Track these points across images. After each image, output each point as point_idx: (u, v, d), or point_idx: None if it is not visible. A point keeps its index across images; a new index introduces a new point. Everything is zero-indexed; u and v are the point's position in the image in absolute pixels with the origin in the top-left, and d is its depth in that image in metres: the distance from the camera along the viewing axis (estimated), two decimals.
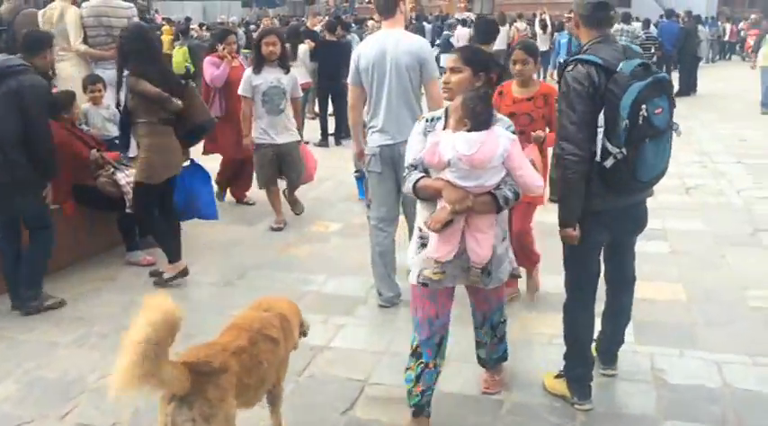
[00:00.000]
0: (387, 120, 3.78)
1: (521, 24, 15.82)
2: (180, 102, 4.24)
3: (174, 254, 4.47)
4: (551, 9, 27.21)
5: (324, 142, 8.97)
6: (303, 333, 2.76)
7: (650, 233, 5.20)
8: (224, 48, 5.98)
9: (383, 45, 3.76)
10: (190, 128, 4.40)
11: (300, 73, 8.48)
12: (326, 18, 12.59)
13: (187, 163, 4.76)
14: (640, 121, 2.44)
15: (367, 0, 42.35)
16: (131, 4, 6.46)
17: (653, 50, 13.07)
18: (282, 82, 5.38)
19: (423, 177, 2.53)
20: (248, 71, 5.41)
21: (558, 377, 3.06)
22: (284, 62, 5.48)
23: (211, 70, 5.99)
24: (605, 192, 2.63)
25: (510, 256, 2.78)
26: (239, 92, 5.41)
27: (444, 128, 2.56)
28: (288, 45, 8.51)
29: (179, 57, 10.60)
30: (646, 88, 2.44)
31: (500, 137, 2.43)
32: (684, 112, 11.45)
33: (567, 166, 2.59)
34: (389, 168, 3.83)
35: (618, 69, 2.51)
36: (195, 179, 4.84)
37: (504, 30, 15.28)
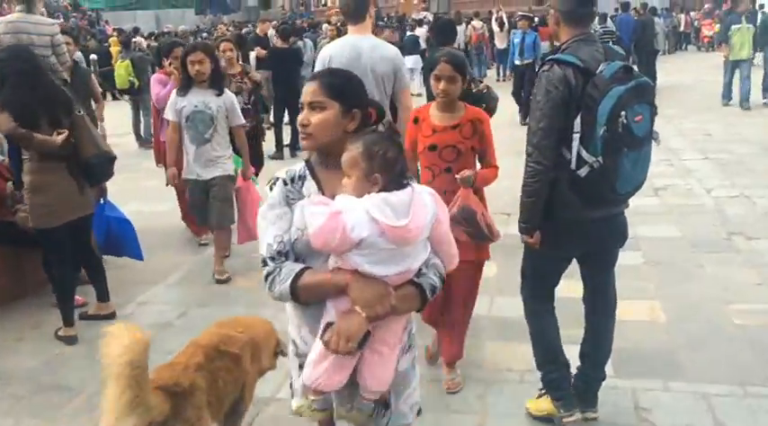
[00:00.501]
0: None
1: (477, 23, 15.57)
2: (57, 137, 3.61)
3: (101, 293, 4.09)
4: (506, 6, 27.28)
5: (279, 154, 8.54)
6: (280, 353, 2.62)
7: None
8: (170, 64, 5.31)
9: (358, 48, 3.60)
10: (81, 165, 3.78)
11: None
12: (278, 23, 12.07)
13: (100, 201, 4.28)
14: (619, 129, 2.25)
15: (323, 3, 42.09)
16: (55, 21, 5.99)
17: (610, 44, 12.90)
18: (210, 106, 4.44)
19: (306, 270, 1.69)
20: (174, 91, 4.66)
21: (540, 396, 2.84)
22: (216, 82, 4.50)
23: (158, 89, 5.39)
24: (579, 203, 2.44)
25: (416, 376, 1.98)
26: (164, 115, 4.66)
27: (322, 193, 1.76)
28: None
29: (121, 70, 10.05)
30: (626, 93, 2.26)
31: (423, 195, 1.68)
32: None
33: (529, 173, 2.46)
34: None
35: (598, 71, 2.32)
36: (114, 218, 4.39)
37: (460, 29, 15.04)
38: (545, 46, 17.28)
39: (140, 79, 9.74)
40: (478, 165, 3.07)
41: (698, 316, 3.77)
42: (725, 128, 9.11)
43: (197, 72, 4.38)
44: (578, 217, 2.48)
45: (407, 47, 13.71)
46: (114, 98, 16.19)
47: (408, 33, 15.61)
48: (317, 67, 3.74)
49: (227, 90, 4.64)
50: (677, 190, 6.32)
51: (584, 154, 2.32)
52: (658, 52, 13.62)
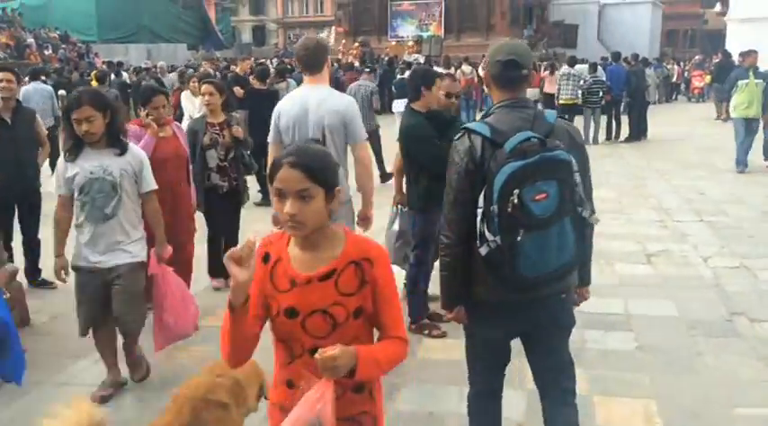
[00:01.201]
0: None
1: (466, 68, 15.30)
2: None
3: None
4: None
5: (266, 201, 8.03)
6: (263, 396, 2.54)
7: (612, 320, 4.46)
8: (147, 114, 4.40)
9: (305, 103, 3.52)
10: None
11: None
12: (254, 63, 11.67)
13: None
14: (509, 208, 2.10)
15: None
16: None
17: (601, 94, 12.63)
18: (111, 170, 3.36)
19: None
20: (61, 159, 3.47)
21: None
22: (114, 139, 3.41)
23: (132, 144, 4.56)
24: (492, 282, 2.26)
25: None
26: (53, 189, 3.55)
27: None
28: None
29: None
30: (521, 169, 2.10)
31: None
32: (637, 161, 10.97)
33: (440, 246, 2.37)
34: None
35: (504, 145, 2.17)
36: None
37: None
38: (534, 93, 17.17)
39: None
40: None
41: (699, 423, 3.24)
42: (720, 188, 8.68)
43: (85, 132, 3.28)
44: (494, 298, 2.31)
45: (398, 91, 13.38)
46: None
47: (398, 77, 15.31)
48: (272, 122, 3.65)
49: (132, 146, 3.57)
50: (672, 258, 5.83)
51: (485, 231, 2.18)
52: (650, 103, 13.34)
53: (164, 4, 35.35)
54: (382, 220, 4.63)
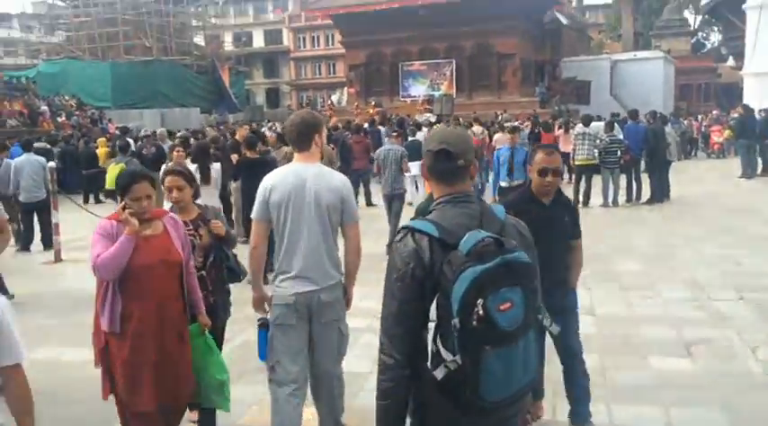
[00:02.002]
0: (305, 265, 3.34)
1: (477, 128, 14.84)
2: None
3: None
4: (511, 109, 27.06)
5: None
6: None
7: None
8: (125, 207, 3.14)
9: (301, 178, 3.36)
10: None
11: (210, 195, 7.12)
12: (248, 129, 11.23)
13: None
14: (474, 321, 1.82)
15: (329, 104, 42.56)
16: None
17: (619, 154, 12.04)
18: None
19: None
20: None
21: None
22: None
23: (99, 247, 3.09)
24: (447, 409, 1.94)
25: None
26: None
27: None
28: (195, 165, 7.20)
29: (114, 172, 9.46)
30: (485, 274, 1.83)
31: None
32: (662, 226, 10.24)
33: (380, 368, 2.04)
34: (304, 320, 3.36)
35: (458, 245, 1.91)
36: None
37: None
38: None
39: None
40: None
41: None
42: (757, 257, 7.89)
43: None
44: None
45: (410, 152, 12.89)
46: (98, 201, 15.42)
47: (410, 138, 14.87)
48: (259, 197, 3.41)
49: None
50: (714, 348, 5.06)
51: (441, 349, 1.86)
52: (671, 163, 12.67)
53: (178, 70, 35.88)
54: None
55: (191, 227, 3.72)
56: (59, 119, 25.77)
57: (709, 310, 6.00)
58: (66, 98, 29.22)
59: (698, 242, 8.83)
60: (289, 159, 7.30)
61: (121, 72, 33.06)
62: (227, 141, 11.26)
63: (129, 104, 32.42)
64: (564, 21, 39.75)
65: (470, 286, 1.81)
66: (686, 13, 54.48)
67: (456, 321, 1.81)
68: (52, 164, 9.11)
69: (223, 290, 3.85)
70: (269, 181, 3.43)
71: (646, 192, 12.44)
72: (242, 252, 3.92)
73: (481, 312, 1.80)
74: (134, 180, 3.18)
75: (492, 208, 2.12)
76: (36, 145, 14.94)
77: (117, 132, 21.67)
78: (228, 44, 46.58)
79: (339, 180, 3.47)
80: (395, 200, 8.91)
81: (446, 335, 1.85)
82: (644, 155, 12.50)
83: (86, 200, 15.49)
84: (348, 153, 13.09)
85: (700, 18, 57.39)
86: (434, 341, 1.88)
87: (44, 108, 25.93)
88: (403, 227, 2.06)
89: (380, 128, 20.46)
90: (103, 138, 17.19)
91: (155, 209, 3.31)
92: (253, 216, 3.46)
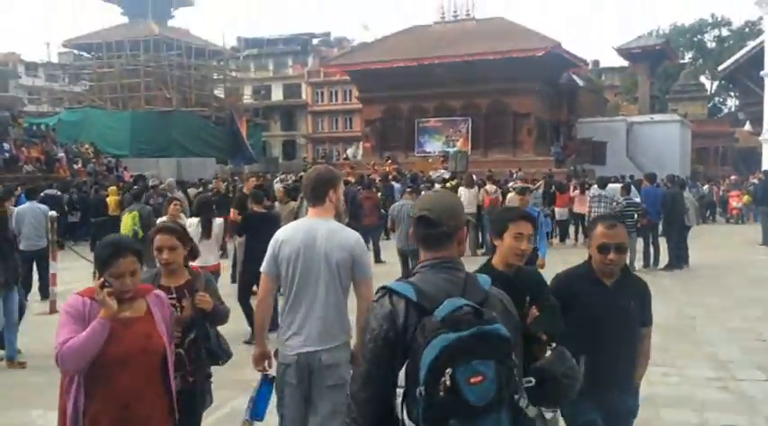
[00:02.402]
0: (308, 323, 3.24)
1: (490, 187, 14.61)
2: None
3: None
4: (526, 167, 26.95)
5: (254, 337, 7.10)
6: None
7: None
8: (103, 284, 2.60)
9: (313, 233, 3.31)
10: None
11: (210, 250, 6.87)
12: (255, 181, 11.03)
13: None
14: (440, 391, 1.70)
15: (344, 157, 42.84)
16: None
17: (635, 218, 11.70)
18: None
19: None
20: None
21: None
22: None
23: (65, 331, 2.57)
24: None
25: None
26: None
27: None
28: (197, 219, 6.97)
29: (128, 220, 9.41)
30: (457, 343, 1.73)
31: None
32: (681, 295, 9.79)
33: None
34: (305, 381, 3.22)
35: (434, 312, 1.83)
36: None
37: (471, 192, 14.10)
38: (563, 212, 16.33)
39: (144, 231, 8.76)
40: None
41: None
42: None
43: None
44: None
45: None
46: None
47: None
48: (269, 251, 3.35)
49: None
50: None
51: (405, 419, 1.81)
52: (689, 228, 12.29)
53: (196, 121, 36.35)
54: None
55: (174, 295, 3.22)
56: (75, 166, 25.98)
57: (735, 392, 5.55)
58: (85, 146, 29.57)
59: (720, 313, 8.39)
60: (295, 216, 6.94)
61: (141, 121, 33.54)
62: (233, 193, 11.09)
63: (147, 153, 32.72)
64: (580, 82, 40.09)
65: (440, 353, 1.74)
66: (702, 79, 54.95)
67: (422, 389, 1.74)
68: (53, 212, 8.95)
69: (203, 373, 3.33)
70: (280, 234, 3.39)
71: (663, 258, 12.04)
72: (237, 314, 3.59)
73: (449, 382, 1.71)
74: (117, 252, 2.64)
75: (477, 278, 2.05)
76: (47, 191, 15.02)
77: (131, 180, 21.77)
78: (248, 97, 47.32)
79: (352, 237, 3.37)
80: (411, 257, 8.95)
81: (412, 405, 1.79)
82: (662, 220, 12.16)
83: (93, 248, 15.36)
84: (358, 209, 12.89)
85: (716, 83, 57.81)
86: (401, 409, 1.82)
87: (61, 154, 26.20)
88: (381, 287, 2.00)
89: (393, 183, 20.37)
90: (114, 187, 17.13)
91: (137, 287, 2.74)
92: (262, 269, 3.38)
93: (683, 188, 13.09)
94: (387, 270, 11.59)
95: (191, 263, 3.55)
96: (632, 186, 13.33)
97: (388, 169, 25.57)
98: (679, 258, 11.89)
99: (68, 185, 18.69)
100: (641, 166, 32.18)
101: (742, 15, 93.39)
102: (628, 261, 11.61)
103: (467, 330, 1.77)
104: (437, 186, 15.99)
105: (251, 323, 7.10)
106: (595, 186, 12.51)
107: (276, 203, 8.02)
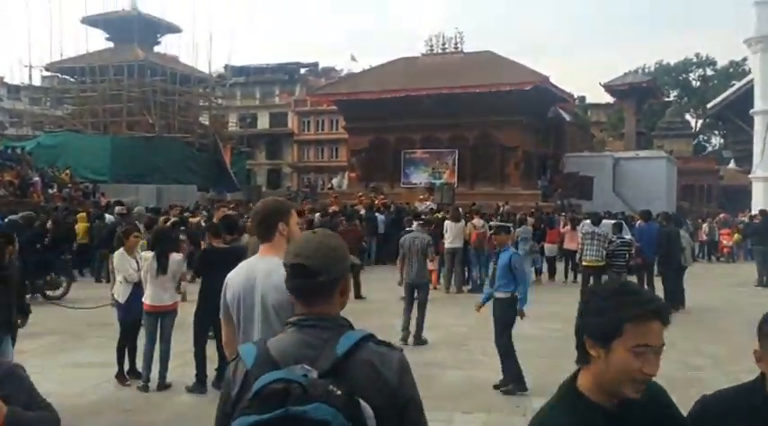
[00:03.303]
0: None
1: (477, 221, 14.07)
2: None
3: None
4: (513, 200, 26.50)
5: (201, 387, 6.32)
6: None
7: None
8: None
9: (252, 275, 3.06)
10: None
11: (165, 288, 6.19)
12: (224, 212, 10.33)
13: None
14: None
15: (329, 186, 42.28)
16: None
17: (627, 257, 11.19)
18: None
19: None
20: None
21: None
22: None
23: None
24: None
25: None
26: None
27: None
28: (151, 253, 6.28)
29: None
30: None
31: None
32: (683, 342, 9.13)
33: None
34: None
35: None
36: None
37: (458, 226, 13.54)
38: (553, 249, 15.78)
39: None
40: None
41: None
42: None
43: None
44: None
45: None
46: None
47: (407, 230, 14.02)
48: (222, 296, 3.12)
49: None
50: None
51: None
52: (686, 268, 11.76)
53: (178, 147, 35.70)
54: None
55: None
56: (51, 191, 25.17)
57: None
58: (64, 171, 28.79)
59: (726, 363, 7.80)
60: (254, 250, 6.33)
61: (121, 146, 32.85)
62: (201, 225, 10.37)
63: (127, 179, 31.95)
64: (567, 117, 40.08)
65: None
66: (687, 116, 55.43)
67: None
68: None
69: None
70: (229, 276, 3.16)
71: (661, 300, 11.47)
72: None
73: None
74: None
75: (344, 337, 1.70)
76: (10, 217, 14.18)
77: (104, 206, 20.96)
78: (233, 124, 46.84)
79: None
80: (420, 290, 8.79)
81: None
82: (656, 259, 11.64)
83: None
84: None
85: (701, 121, 58.35)
86: None
87: (36, 179, 25.39)
88: (239, 348, 1.79)
89: (378, 215, 19.80)
90: (84, 213, 16.34)
91: None
92: (220, 315, 3.15)
93: (680, 226, 12.58)
94: (370, 307, 10.93)
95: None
96: (623, 224, 12.84)
97: (377, 202, 24.92)
98: (675, 300, 11.33)
99: (38, 211, 17.86)
100: (628, 202, 31.96)
101: (726, 55, 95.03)
102: None
103: (268, 412, 1.49)
104: (420, 219, 15.39)
105: (199, 371, 6.37)
106: (587, 222, 11.99)
107: (246, 235, 7.32)
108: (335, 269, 1.79)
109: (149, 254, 6.06)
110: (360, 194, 29.28)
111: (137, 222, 11.47)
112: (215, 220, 8.76)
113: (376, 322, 8.51)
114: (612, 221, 12.55)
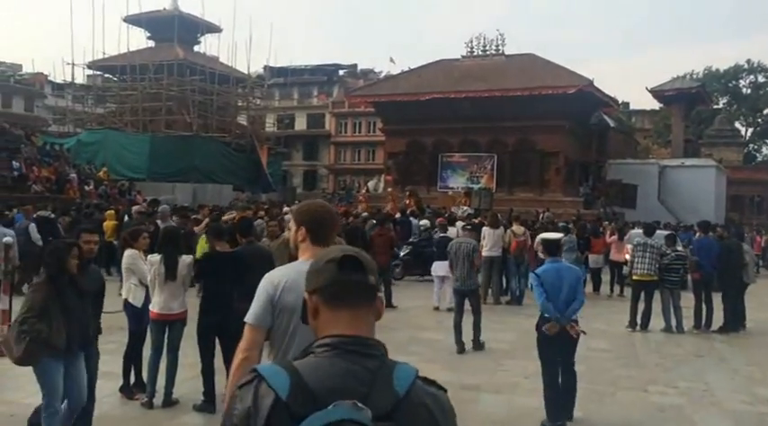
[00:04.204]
0: None
1: (518, 228, 13.27)
2: None
3: None
4: (554, 207, 25.54)
5: (210, 406, 5.75)
6: None
7: None
8: None
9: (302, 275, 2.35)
10: None
11: (174, 295, 5.65)
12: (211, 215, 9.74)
13: None
14: None
15: (365, 189, 41.75)
16: None
17: (681, 272, 10.30)
18: None
19: None
20: None
21: None
22: None
23: None
24: None
25: None
26: None
27: None
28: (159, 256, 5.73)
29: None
30: None
31: None
32: (746, 367, 8.23)
33: None
34: None
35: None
36: None
37: (497, 233, 12.77)
38: (598, 259, 14.86)
39: None
40: None
41: None
42: None
43: None
44: None
45: (439, 251, 11.35)
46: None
47: (440, 235, 13.35)
48: (264, 296, 2.65)
49: None
50: None
51: None
52: (747, 286, 10.76)
53: (215, 146, 35.64)
54: None
55: None
56: (87, 188, 25.17)
57: None
58: (98, 167, 28.87)
59: None
60: (280, 256, 5.85)
61: (159, 144, 32.93)
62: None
63: (164, 177, 31.95)
64: (611, 123, 38.80)
65: None
66: (737, 124, 53.40)
67: None
68: (8, 239, 7.78)
69: None
70: (281, 277, 2.69)
71: (718, 319, 10.51)
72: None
73: None
74: None
75: (397, 372, 1.44)
76: (39, 213, 13.97)
77: (144, 204, 20.73)
78: (271, 125, 46.72)
79: None
80: (471, 297, 8.72)
81: None
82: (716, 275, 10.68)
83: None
84: (367, 246, 11.52)
85: (752, 130, 56.20)
86: None
87: (72, 175, 25.44)
88: (252, 370, 1.46)
89: (412, 219, 19.11)
90: (113, 211, 16.05)
91: None
92: (249, 319, 2.64)
93: (741, 239, 11.57)
94: (396, 317, 10.29)
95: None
96: (677, 237, 11.89)
97: (408, 201, 24.32)
98: (736, 319, 10.38)
99: (69, 207, 17.69)
100: (673, 211, 30.65)
101: None
102: (674, 322, 10.08)
103: None
104: (458, 224, 14.66)
105: (207, 389, 5.78)
106: (638, 231, 11.10)
107: (265, 239, 6.66)
108: (376, 275, 1.61)
109: (156, 258, 5.50)
110: (389, 189, 28.54)
111: (158, 221, 11.04)
112: (203, 220, 8.14)
113: (403, 335, 7.84)
114: (666, 232, 11.62)
